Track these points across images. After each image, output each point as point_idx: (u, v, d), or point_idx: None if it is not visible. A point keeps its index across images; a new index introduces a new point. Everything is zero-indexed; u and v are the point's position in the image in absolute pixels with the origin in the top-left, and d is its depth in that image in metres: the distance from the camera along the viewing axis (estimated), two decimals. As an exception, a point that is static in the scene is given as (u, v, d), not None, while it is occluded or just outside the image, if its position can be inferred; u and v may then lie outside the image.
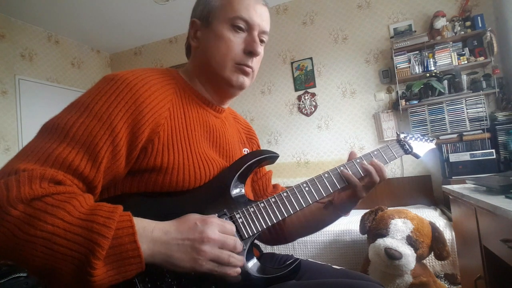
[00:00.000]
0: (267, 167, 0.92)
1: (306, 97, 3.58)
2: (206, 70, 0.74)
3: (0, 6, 3.18)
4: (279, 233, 0.87)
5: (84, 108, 0.57)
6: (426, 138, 0.92)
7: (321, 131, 3.54)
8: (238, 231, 0.65)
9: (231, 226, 0.60)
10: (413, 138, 0.90)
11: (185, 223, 0.56)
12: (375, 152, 0.81)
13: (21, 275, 1.94)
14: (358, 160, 0.78)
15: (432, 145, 0.92)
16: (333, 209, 0.82)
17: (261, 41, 0.75)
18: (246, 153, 0.87)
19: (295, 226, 0.86)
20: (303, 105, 3.59)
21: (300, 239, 2.43)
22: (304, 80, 3.61)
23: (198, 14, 0.74)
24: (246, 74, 0.73)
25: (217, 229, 0.57)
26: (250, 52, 0.71)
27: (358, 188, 0.75)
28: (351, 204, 0.79)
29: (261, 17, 0.72)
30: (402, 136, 0.89)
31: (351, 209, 0.81)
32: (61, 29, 3.78)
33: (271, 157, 0.75)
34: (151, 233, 0.53)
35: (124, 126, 0.58)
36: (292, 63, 3.65)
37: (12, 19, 3.40)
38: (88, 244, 0.47)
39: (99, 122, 0.56)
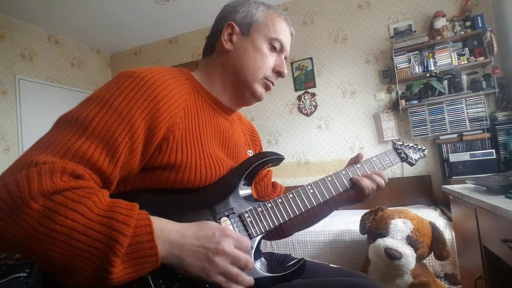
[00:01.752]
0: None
1: (306, 97, 3.58)
2: (234, 74, 0.76)
3: (0, 6, 3.18)
4: (279, 229, 0.91)
5: (104, 103, 0.57)
6: (419, 148, 0.99)
7: (321, 131, 3.54)
8: (247, 229, 0.67)
9: (247, 243, 0.60)
10: (408, 147, 0.96)
11: (203, 230, 0.56)
12: (374, 159, 0.86)
13: (21, 275, 1.94)
14: (359, 165, 0.83)
15: (424, 155, 0.99)
16: (328, 206, 0.87)
17: None
18: (250, 154, 0.90)
19: (293, 223, 0.90)
20: (303, 105, 3.59)
21: (300, 239, 2.45)
22: (304, 80, 3.61)
23: (238, 20, 0.77)
24: (268, 88, 0.80)
25: (233, 243, 0.57)
26: (279, 72, 0.79)
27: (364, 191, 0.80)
28: (350, 204, 0.86)
29: (289, 45, 0.82)
30: (398, 144, 0.95)
31: (345, 206, 0.88)
32: (61, 29, 3.78)
33: (277, 159, 0.78)
34: (168, 235, 0.53)
35: (142, 123, 0.58)
36: (292, 63, 3.65)
37: (12, 19, 3.39)
38: (107, 241, 0.47)
39: (118, 118, 0.56)
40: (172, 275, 0.57)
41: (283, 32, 0.78)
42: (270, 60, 0.77)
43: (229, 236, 0.57)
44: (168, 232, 0.53)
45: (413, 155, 0.95)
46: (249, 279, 0.58)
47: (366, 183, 0.79)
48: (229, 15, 0.77)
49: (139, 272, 0.50)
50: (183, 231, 0.55)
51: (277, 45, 0.77)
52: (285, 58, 0.82)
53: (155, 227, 0.51)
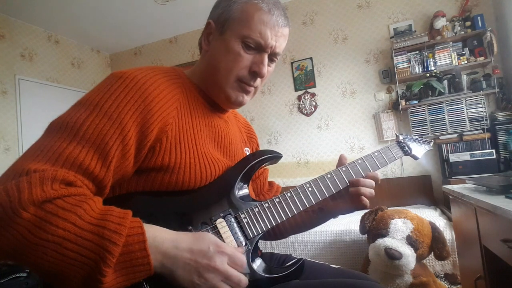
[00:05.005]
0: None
1: (306, 97, 3.58)
2: (210, 77, 0.73)
3: (0, 6, 3.18)
4: (273, 231, 0.89)
5: (94, 107, 0.56)
6: (424, 140, 0.93)
7: (321, 131, 3.54)
8: (243, 230, 0.66)
9: (242, 261, 0.58)
10: (412, 140, 0.91)
11: (199, 243, 0.55)
12: (376, 153, 0.81)
13: (21, 275, 1.94)
14: (360, 161, 0.79)
15: (429, 147, 0.93)
16: (324, 215, 0.83)
17: (272, 60, 0.73)
18: (247, 152, 0.88)
19: (286, 226, 0.88)
20: (303, 105, 3.59)
21: (300, 239, 2.45)
22: (304, 80, 3.61)
23: (215, 17, 0.72)
24: (246, 92, 0.72)
25: (227, 260, 0.56)
26: (255, 73, 0.69)
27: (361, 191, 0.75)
28: (346, 213, 0.80)
29: (276, 40, 0.69)
30: (401, 137, 0.90)
31: (342, 215, 0.82)
32: (61, 29, 3.78)
33: (275, 157, 0.76)
34: (162, 245, 0.52)
35: (133, 125, 0.57)
36: (292, 63, 3.65)
37: (12, 19, 3.39)
38: (99, 250, 0.46)
39: (109, 121, 0.56)
40: (167, 281, 0.56)
41: (263, 28, 0.67)
42: (245, 59, 0.68)
43: (223, 253, 0.56)
44: (162, 242, 0.52)
45: (418, 148, 0.89)
46: None
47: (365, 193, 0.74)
48: (212, 11, 0.74)
49: (131, 281, 0.49)
50: (177, 242, 0.54)
51: (251, 43, 0.68)
52: (275, 54, 0.71)
53: (148, 236, 0.50)
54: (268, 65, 0.72)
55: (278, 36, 0.70)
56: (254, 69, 0.69)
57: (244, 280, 0.57)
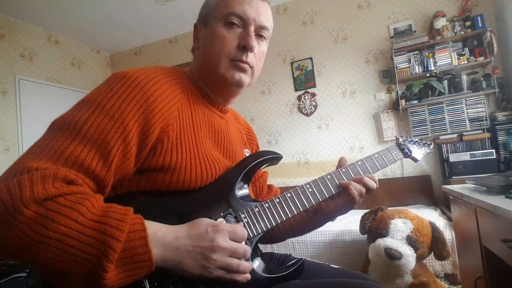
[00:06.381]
0: (266, 168, 0.92)
1: (306, 97, 3.58)
2: (205, 69, 0.74)
3: (0, 6, 3.18)
4: (271, 233, 0.89)
5: (96, 106, 0.57)
6: (424, 142, 0.94)
7: (321, 131, 3.54)
8: None
9: (242, 232, 0.59)
10: (412, 142, 0.91)
11: (196, 228, 0.56)
12: (376, 155, 0.82)
13: (21, 275, 1.94)
14: (360, 163, 0.80)
15: (429, 149, 0.94)
16: (320, 216, 0.83)
17: (260, 36, 0.73)
18: (247, 153, 0.88)
19: (285, 229, 0.88)
20: (303, 105, 3.59)
21: (300, 239, 2.45)
22: (304, 80, 3.61)
23: (199, 17, 0.77)
24: (242, 70, 0.71)
25: (228, 236, 0.57)
26: (244, 47, 0.70)
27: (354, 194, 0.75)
28: (342, 212, 0.80)
29: (257, 12, 0.70)
30: (401, 139, 0.90)
31: (339, 215, 0.82)
32: (61, 29, 3.78)
33: (275, 158, 0.76)
34: (162, 238, 0.53)
35: (135, 125, 0.58)
36: (292, 63, 3.65)
37: (12, 19, 3.39)
38: (101, 246, 0.47)
39: (110, 121, 0.56)
40: (167, 277, 0.56)
41: (239, 2, 0.70)
42: (230, 38, 0.70)
43: (222, 230, 0.57)
44: (162, 235, 0.53)
45: (418, 151, 0.90)
46: (250, 265, 0.59)
47: (355, 187, 0.74)
48: (197, 18, 0.79)
49: (133, 277, 0.50)
50: (177, 233, 0.54)
51: (234, 19, 0.69)
52: (261, 28, 0.72)
53: (149, 231, 0.51)
54: (258, 44, 0.73)
55: (259, 9, 0.71)
56: (242, 43, 0.70)
57: (249, 249, 0.59)
